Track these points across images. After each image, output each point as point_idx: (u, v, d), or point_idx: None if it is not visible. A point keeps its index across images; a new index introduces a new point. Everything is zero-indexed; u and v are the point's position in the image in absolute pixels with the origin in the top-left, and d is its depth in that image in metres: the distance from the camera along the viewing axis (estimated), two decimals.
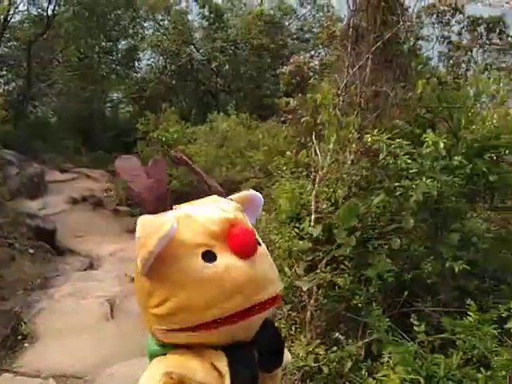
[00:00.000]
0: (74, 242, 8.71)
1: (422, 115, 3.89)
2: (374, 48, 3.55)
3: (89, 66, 16.80)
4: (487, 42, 9.94)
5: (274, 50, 17.42)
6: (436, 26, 9.62)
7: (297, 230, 4.14)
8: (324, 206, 4.14)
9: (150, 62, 18.56)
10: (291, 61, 10.44)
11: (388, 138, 3.55)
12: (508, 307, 3.01)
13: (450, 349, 3.27)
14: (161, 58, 18.12)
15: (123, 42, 18.19)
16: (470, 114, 4.16)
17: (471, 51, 9.86)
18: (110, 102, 19.54)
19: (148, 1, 18.10)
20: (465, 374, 3.05)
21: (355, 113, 3.78)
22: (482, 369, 2.88)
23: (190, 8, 18.83)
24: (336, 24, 8.38)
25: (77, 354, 4.83)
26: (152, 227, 1.00)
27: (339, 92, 3.77)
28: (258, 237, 1.12)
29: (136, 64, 18.25)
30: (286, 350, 1.23)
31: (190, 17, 18.46)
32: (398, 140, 3.43)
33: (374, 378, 3.14)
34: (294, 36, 19.62)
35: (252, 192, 1.27)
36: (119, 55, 18.15)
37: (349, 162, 4.01)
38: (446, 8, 9.66)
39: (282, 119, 9.16)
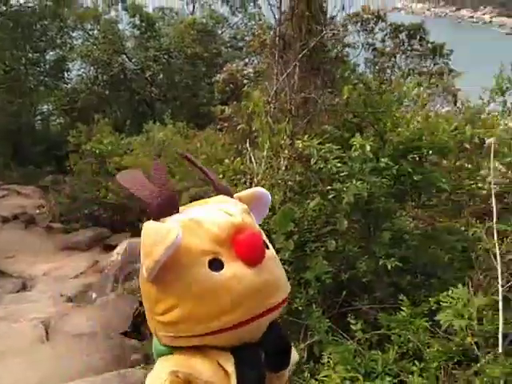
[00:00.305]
0: (4, 263, 8.24)
1: (349, 120, 4.03)
2: (300, 56, 3.64)
3: (15, 78, 16.03)
4: (409, 48, 10.51)
5: (209, 58, 17.47)
6: (361, 33, 10.07)
7: None
8: None
9: (80, 73, 17.98)
10: (224, 69, 10.49)
11: (319, 143, 3.65)
12: (437, 300, 3.15)
13: (386, 344, 3.39)
14: (91, 68, 17.61)
15: (51, 53, 17.49)
16: (394, 118, 4.36)
17: (395, 57, 10.39)
18: (40, 115, 18.70)
19: (76, 10, 17.58)
20: (401, 368, 3.17)
21: (286, 119, 3.86)
22: (416, 361, 3.00)
23: (120, 17, 18.50)
24: (267, 32, 8.54)
25: (9, 379, 4.56)
26: (158, 235, 0.97)
27: (270, 99, 3.83)
28: (265, 239, 1.10)
29: (65, 75, 17.60)
30: (293, 350, 1.22)
31: (120, 26, 18.12)
32: (327, 145, 3.53)
33: (316, 380, 3.19)
34: (228, 44, 19.79)
35: (259, 189, 1.24)
36: (47, 66, 17.43)
37: (283, 168, 4.07)
38: (369, 16, 10.13)
39: (219, 127, 9.17)
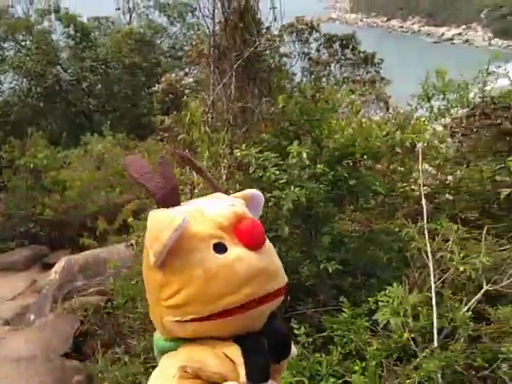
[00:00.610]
0: None
1: (286, 128, 4.11)
2: (235, 66, 3.68)
3: None
4: (342, 57, 10.91)
5: (148, 68, 17.27)
6: (296, 43, 10.34)
7: None
8: None
9: (12, 85, 17.22)
10: (163, 79, 10.40)
11: (258, 152, 3.69)
12: (376, 299, 3.26)
13: (331, 346, 3.46)
14: (24, 79, 16.92)
15: None
16: (330, 125, 4.49)
17: (329, 66, 10.75)
18: None
19: (7, 20, 16.86)
20: (346, 368, 3.25)
21: (225, 129, 3.88)
22: (358, 361, 3.08)
23: (53, 27, 17.92)
24: (204, 42, 8.55)
25: None
26: (164, 220, 1.01)
27: (207, 109, 3.84)
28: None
29: None
30: (292, 344, 1.22)
31: (54, 36, 17.55)
32: (266, 153, 3.58)
33: None
34: (167, 54, 19.66)
35: (253, 190, 1.26)
36: None
37: (223, 177, 4.09)
38: (303, 27, 10.43)
39: (160, 138, 9.06)
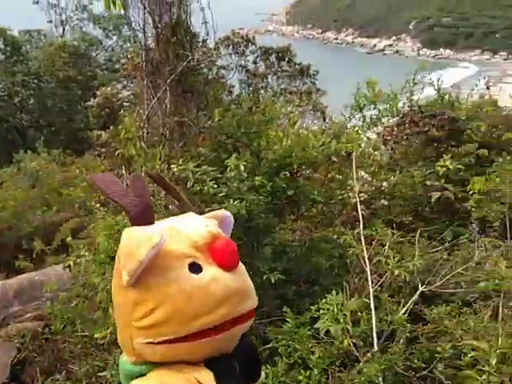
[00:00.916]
0: None
1: (223, 141, 4.12)
2: (169, 80, 3.66)
3: None
4: (279, 69, 11.15)
5: (83, 81, 16.81)
6: (233, 56, 10.46)
7: None
8: None
9: None
10: (98, 93, 10.15)
11: (197, 166, 3.67)
12: (318, 307, 3.31)
13: (277, 357, 3.47)
14: None
15: None
16: (268, 136, 4.55)
17: (267, 78, 10.95)
18: None
19: None
20: (292, 378, 3.26)
21: (161, 144, 3.83)
22: (302, 370, 3.10)
23: None
24: (140, 55, 8.42)
25: None
26: (141, 238, 0.99)
27: (142, 124, 3.78)
28: None
29: None
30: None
31: None
32: (204, 167, 3.56)
33: None
34: (104, 67, 19.25)
35: (223, 211, 1.25)
36: None
37: (162, 193, 4.03)
38: (239, 40, 10.56)
39: (97, 153, 8.83)
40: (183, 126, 4.07)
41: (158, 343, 1.01)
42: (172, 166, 3.51)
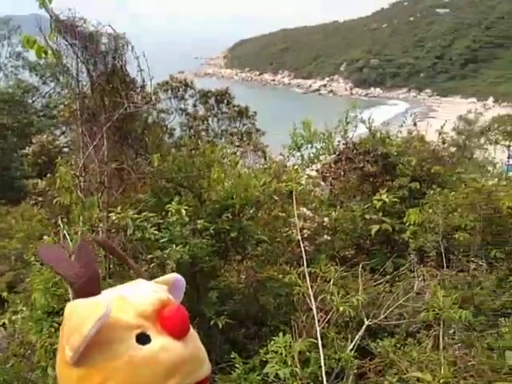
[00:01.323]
0: None
1: (164, 186, 4.09)
2: (105, 128, 3.62)
3: None
4: (219, 111, 11.37)
5: (19, 128, 16.30)
6: (173, 100, 10.57)
7: (56, 325, 3.79)
8: None
9: None
10: (34, 141, 9.85)
11: (137, 212, 3.60)
12: (266, 350, 3.26)
13: None
14: None
15: None
16: (209, 179, 4.56)
17: (207, 120, 11.11)
18: None
19: None
20: None
21: (100, 192, 3.75)
22: None
23: None
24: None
25: None
26: (86, 310, 0.94)
27: (78, 173, 3.69)
28: None
29: None
30: None
31: None
32: (144, 213, 3.50)
33: None
34: (41, 113, 18.80)
35: (174, 275, 1.19)
36: None
37: None
38: (178, 84, 10.71)
39: (34, 202, 8.49)
40: (122, 172, 4.00)
41: None
42: (111, 214, 3.42)
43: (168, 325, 1.01)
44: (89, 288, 1.04)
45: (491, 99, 67.45)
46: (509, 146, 23.00)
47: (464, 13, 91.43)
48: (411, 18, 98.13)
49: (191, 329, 1.09)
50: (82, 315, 0.95)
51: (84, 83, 3.89)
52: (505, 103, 61.57)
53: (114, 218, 3.33)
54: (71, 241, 3.91)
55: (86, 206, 3.54)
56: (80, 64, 3.71)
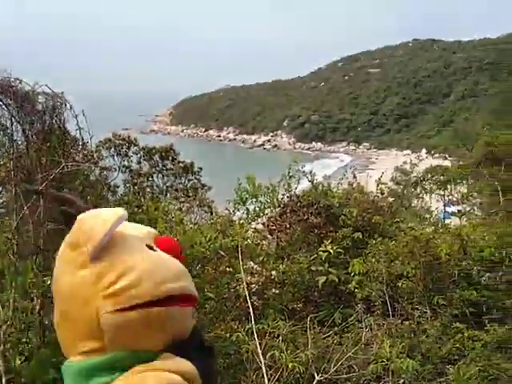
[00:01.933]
0: None
1: None
2: (41, 187, 3.49)
3: None
4: (164, 168, 11.39)
5: None
6: (116, 157, 10.49)
7: None
8: (18, 362, 3.62)
9: None
10: None
11: None
12: None
13: None
14: None
15: None
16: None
17: (152, 177, 11.07)
18: None
19: None
20: None
21: (34, 255, 3.56)
22: None
23: None
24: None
25: None
26: (102, 213, 1.01)
27: (11, 236, 3.50)
28: None
29: None
30: None
31: None
32: None
33: None
34: None
35: None
36: None
37: (37, 308, 3.67)
38: (121, 142, 10.68)
39: None
40: (60, 233, 3.83)
41: (131, 308, 0.98)
42: (46, 278, 3.24)
43: (165, 245, 1.12)
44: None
45: (424, 151, 71.72)
46: (443, 195, 24.31)
47: (394, 72, 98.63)
48: (346, 77, 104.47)
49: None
50: (99, 216, 1.02)
51: (19, 142, 3.77)
52: (436, 155, 65.54)
53: (48, 283, 3.14)
54: (2, 308, 3.65)
55: (18, 271, 3.34)
56: (15, 123, 3.61)
